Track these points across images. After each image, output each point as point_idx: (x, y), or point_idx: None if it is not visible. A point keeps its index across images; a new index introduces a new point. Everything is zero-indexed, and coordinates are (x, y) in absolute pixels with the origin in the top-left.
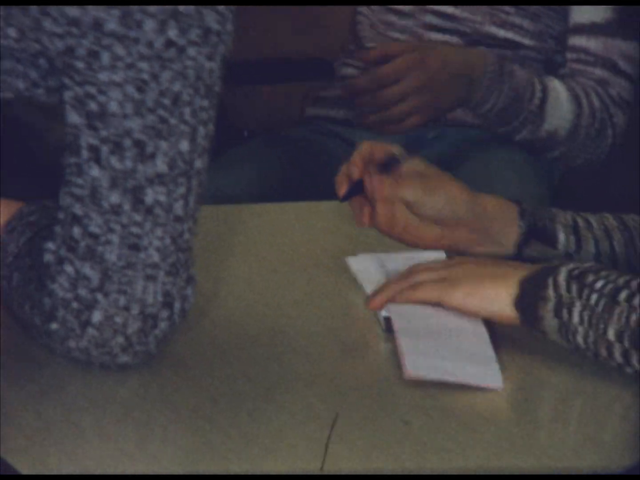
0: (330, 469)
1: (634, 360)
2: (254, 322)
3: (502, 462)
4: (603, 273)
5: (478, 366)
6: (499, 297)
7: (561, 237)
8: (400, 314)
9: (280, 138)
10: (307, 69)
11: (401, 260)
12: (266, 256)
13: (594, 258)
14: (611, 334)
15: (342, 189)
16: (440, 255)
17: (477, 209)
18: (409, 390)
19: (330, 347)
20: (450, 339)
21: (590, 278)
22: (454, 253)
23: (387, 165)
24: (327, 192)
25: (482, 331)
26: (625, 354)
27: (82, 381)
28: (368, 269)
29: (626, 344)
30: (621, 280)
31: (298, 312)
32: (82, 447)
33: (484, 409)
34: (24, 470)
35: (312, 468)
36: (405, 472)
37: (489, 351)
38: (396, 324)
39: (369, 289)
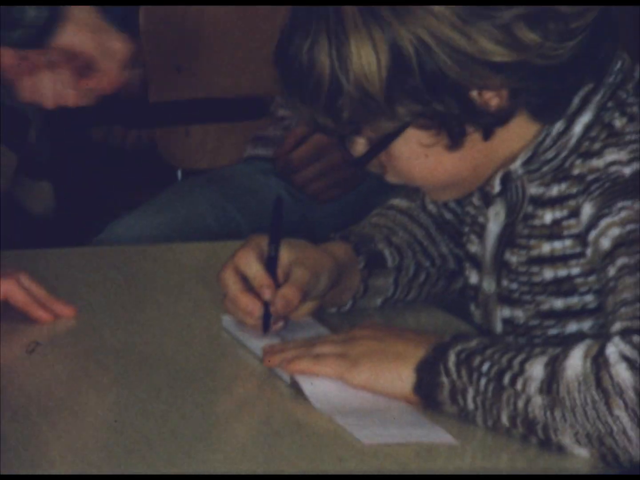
0: None
1: (533, 441)
2: (185, 359)
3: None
4: (488, 352)
5: (419, 428)
6: (400, 382)
7: (387, 254)
8: (311, 381)
9: (217, 176)
10: (241, 108)
11: None
12: (199, 294)
13: (413, 258)
14: (505, 419)
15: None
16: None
17: (339, 266)
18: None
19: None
20: (375, 407)
21: (477, 360)
22: None
23: (270, 260)
24: (264, 230)
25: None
26: (523, 437)
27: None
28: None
29: (520, 428)
30: (504, 360)
31: (234, 349)
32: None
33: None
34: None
35: None
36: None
37: (417, 413)
38: (306, 388)
39: (253, 344)
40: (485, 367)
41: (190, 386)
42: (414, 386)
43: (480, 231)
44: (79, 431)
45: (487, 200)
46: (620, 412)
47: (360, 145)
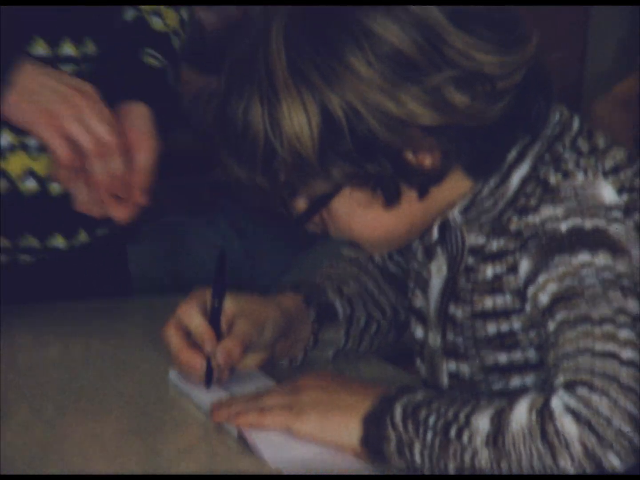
0: None
1: None
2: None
3: None
4: (434, 405)
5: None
6: (348, 434)
7: (338, 306)
8: (258, 434)
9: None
10: None
11: None
12: (147, 349)
13: (364, 309)
14: (452, 472)
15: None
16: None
17: (286, 318)
18: None
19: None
20: (324, 459)
21: (423, 414)
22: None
23: (214, 313)
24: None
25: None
26: None
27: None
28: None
29: None
30: (450, 414)
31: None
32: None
33: None
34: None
35: None
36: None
37: (363, 467)
38: (253, 442)
39: (199, 398)
40: (431, 421)
41: (136, 436)
42: (361, 439)
43: (424, 286)
44: None
45: (430, 255)
46: (566, 464)
47: (301, 204)
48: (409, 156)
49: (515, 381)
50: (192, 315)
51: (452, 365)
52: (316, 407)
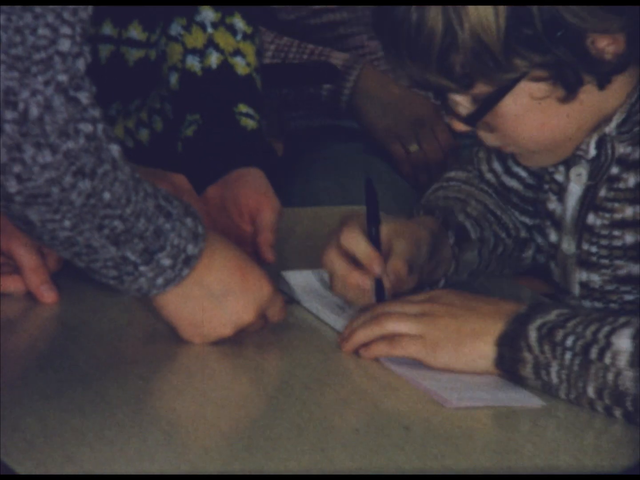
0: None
1: (617, 414)
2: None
3: (502, 462)
4: (570, 325)
5: (507, 391)
6: (481, 359)
7: (469, 227)
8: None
9: None
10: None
11: None
12: None
13: (491, 229)
14: (591, 392)
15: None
16: None
17: (434, 239)
18: (407, 397)
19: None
20: (455, 374)
21: (560, 335)
22: None
23: (372, 237)
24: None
25: None
26: (608, 409)
27: (82, 383)
28: (306, 283)
29: (607, 400)
30: (589, 333)
31: None
32: (82, 448)
33: (483, 412)
34: (24, 471)
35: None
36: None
37: (500, 378)
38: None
39: (309, 303)
40: (569, 341)
41: None
42: (496, 361)
43: (558, 190)
44: None
45: (570, 160)
46: None
47: (463, 107)
48: (593, 42)
49: None
50: (356, 239)
51: (584, 275)
52: (448, 337)
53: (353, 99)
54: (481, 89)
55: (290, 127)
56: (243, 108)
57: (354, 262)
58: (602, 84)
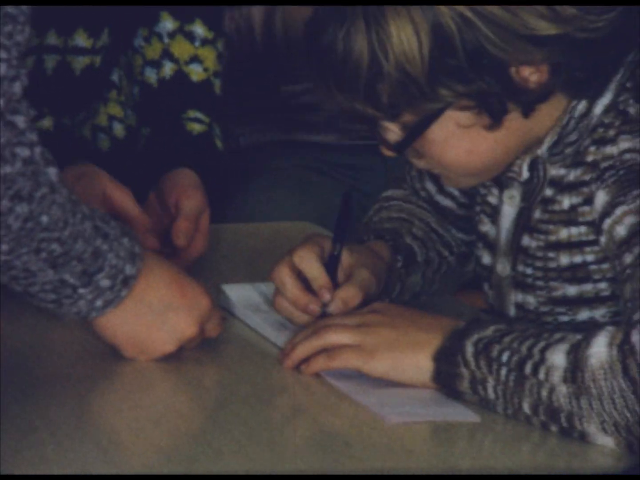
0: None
1: (553, 430)
2: None
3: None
4: (506, 340)
5: (443, 406)
6: (419, 372)
7: (416, 249)
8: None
9: None
10: None
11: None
12: None
13: (434, 249)
14: (526, 408)
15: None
16: None
17: (386, 265)
18: (348, 412)
19: None
20: (395, 387)
21: (496, 350)
22: None
23: (332, 259)
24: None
25: None
26: (544, 425)
27: (21, 402)
28: (246, 297)
29: (542, 416)
30: (524, 349)
31: None
32: (22, 467)
33: (422, 426)
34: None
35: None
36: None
37: (438, 392)
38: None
39: (249, 318)
40: (504, 357)
41: None
42: (433, 375)
43: (491, 212)
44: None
45: (499, 181)
46: None
47: (392, 133)
48: (517, 72)
49: (584, 314)
50: (309, 260)
51: (519, 296)
52: (387, 346)
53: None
54: (408, 117)
55: (240, 143)
56: (192, 113)
57: (304, 281)
58: (526, 112)
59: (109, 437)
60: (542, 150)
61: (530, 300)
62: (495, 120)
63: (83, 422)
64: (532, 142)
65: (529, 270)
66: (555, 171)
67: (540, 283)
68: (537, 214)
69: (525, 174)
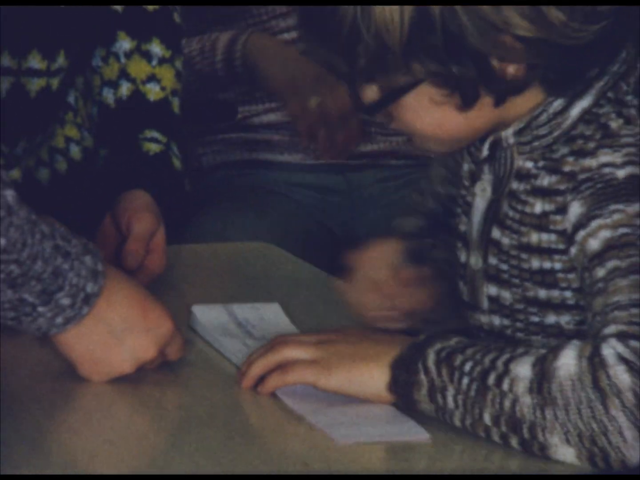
0: None
1: (513, 443)
2: None
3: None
4: (469, 352)
5: (395, 424)
6: (374, 382)
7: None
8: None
9: None
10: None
11: (247, 310)
12: None
13: None
14: (487, 418)
15: None
16: (276, 307)
17: None
18: (306, 432)
19: None
20: (348, 405)
21: (459, 360)
22: None
23: None
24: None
25: None
26: (504, 437)
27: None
28: (215, 319)
29: (503, 428)
30: (487, 361)
31: None
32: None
33: (380, 446)
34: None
35: None
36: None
37: (391, 409)
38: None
39: (215, 341)
40: (467, 367)
41: None
42: (389, 384)
43: (468, 209)
44: None
45: (475, 176)
46: (617, 412)
47: (370, 92)
48: (495, 63)
49: (551, 318)
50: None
51: (493, 290)
52: (341, 360)
53: (247, 60)
54: (382, 83)
55: (202, 162)
56: (148, 133)
57: None
58: (498, 103)
59: (65, 460)
60: (506, 133)
61: (506, 295)
62: (466, 104)
63: (38, 444)
64: (501, 126)
65: (504, 266)
66: (522, 163)
67: (516, 281)
68: (505, 207)
69: (485, 152)
